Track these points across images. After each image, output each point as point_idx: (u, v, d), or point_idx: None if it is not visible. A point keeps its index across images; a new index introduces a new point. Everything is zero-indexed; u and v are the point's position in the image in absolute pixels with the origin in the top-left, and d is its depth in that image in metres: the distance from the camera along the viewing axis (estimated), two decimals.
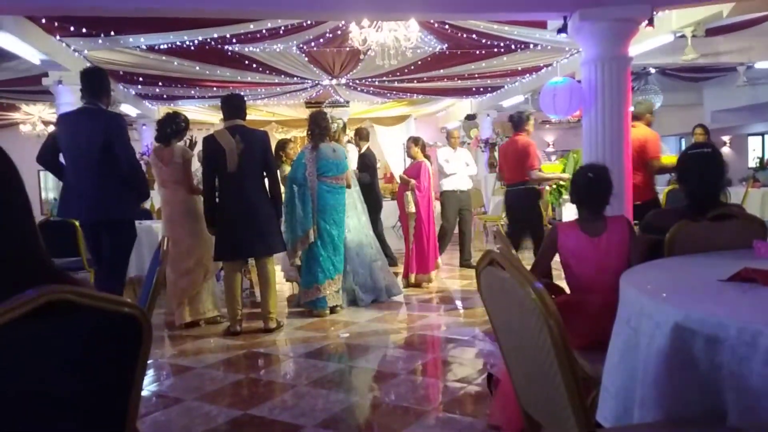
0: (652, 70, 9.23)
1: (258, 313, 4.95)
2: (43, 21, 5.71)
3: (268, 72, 8.44)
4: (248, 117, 4.90)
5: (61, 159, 4.10)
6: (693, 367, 1.34)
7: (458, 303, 5.67)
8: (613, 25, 4.79)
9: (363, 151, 7.37)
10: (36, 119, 11.51)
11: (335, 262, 5.20)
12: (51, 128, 11.19)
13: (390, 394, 3.34)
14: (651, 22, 4.89)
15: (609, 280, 2.36)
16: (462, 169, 7.20)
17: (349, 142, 7.50)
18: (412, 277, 6.29)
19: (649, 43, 6.51)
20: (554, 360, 1.36)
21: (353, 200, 5.62)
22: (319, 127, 5.16)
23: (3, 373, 1.08)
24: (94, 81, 4.03)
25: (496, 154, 11.77)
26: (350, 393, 3.47)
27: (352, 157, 6.86)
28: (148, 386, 3.56)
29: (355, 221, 5.58)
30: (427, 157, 6.56)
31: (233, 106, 4.67)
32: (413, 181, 6.27)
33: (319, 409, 3.14)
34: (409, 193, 6.26)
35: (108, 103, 4.10)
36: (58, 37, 6.29)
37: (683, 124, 13.47)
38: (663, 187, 8.46)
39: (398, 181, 7.10)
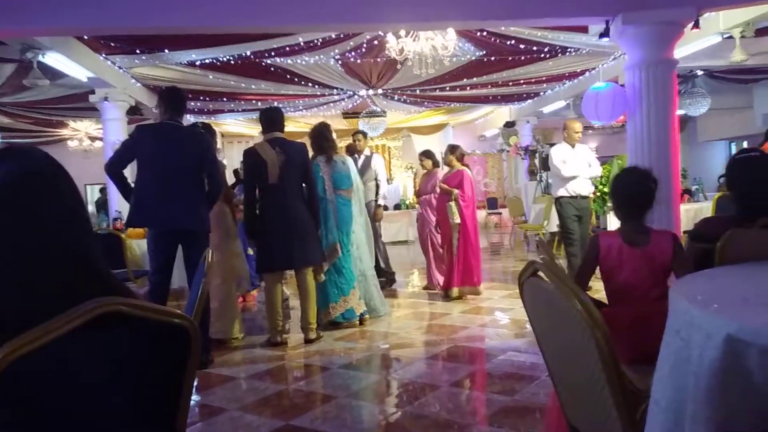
0: (699, 73, 8.97)
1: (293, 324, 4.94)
2: (89, 40, 5.92)
3: (306, 84, 8.55)
4: (286, 129, 4.93)
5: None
6: (746, 380, 1.28)
7: (501, 314, 5.58)
8: (657, 28, 4.68)
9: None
10: (83, 135, 11.93)
11: (353, 271, 5.22)
12: (97, 143, 11.64)
13: (432, 407, 3.29)
14: (697, 24, 4.76)
15: (648, 293, 2.36)
16: (584, 171, 6.10)
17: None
18: (455, 291, 6.10)
19: (695, 45, 6.34)
20: (602, 372, 1.31)
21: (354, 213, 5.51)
22: (327, 140, 5.15)
23: (59, 381, 1.09)
24: (177, 99, 4.22)
25: (537, 161, 11.64)
26: (391, 405, 3.44)
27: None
28: (192, 396, 3.60)
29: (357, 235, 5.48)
30: (465, 165, 6.41)
31: (272, 119, 4.73)
32: (456, 191, 6.09)
33: (361, 421, 3.12)
34: (452, 203, 6.07)
35: (181, 121, 4.26)
36: (103, 55, 6.51)
37: (732, 128, 13.05)
38: (713, 194, 8.20)
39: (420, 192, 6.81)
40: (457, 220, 6.04)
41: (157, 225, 4.10)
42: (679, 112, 5.41)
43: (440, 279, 6.40)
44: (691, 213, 7.18)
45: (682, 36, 4.88)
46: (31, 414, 1.08)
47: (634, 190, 2.52)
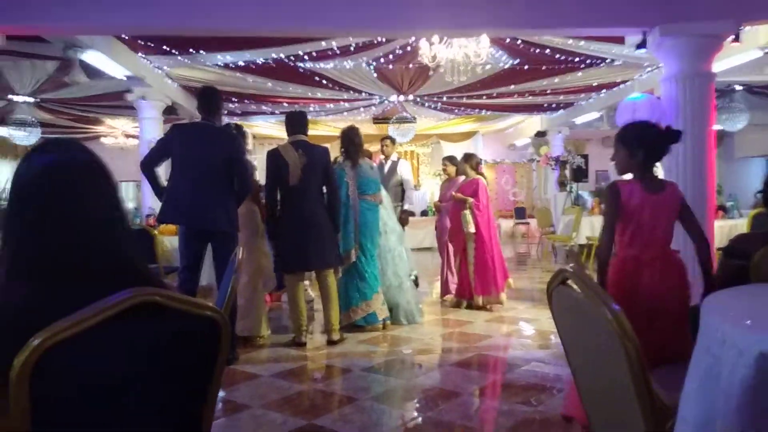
0: (738, 88, 8.78)
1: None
2: (130, 40, 6.05)
3: (337, 88, 8.60)
4: (315, 132, 4.99)
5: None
6: None
7: (526, 324, 5.53)
8: (695, 41, 4.61)
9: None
10: (119, 132, 12.19)
11: (377, 276, 5.22)
12: (132, 141, 11.88)
13: (452, 413, 3.28)
14: (737, 38, 4.68)
15: (661, 237, 2.60)
16: None
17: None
18: (479, 299, 6.03)
19: (735, 59, 6.21)
20: (630, 385, 1.30)
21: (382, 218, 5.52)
22: (354, 144, 5.17)
23: (92, 370, 1.11)
24: (212, 100, 4.30)
25: (567, 172, 11.51)
26: (411, 410, 3.44)
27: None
28: None
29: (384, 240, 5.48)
30: (480, 174, 6.37)
31: (297, 123, 4.79)
32: (471, 200, 6.05)
33: (381, 424, 3.12)
34: (467, 212, 6.02)
35: (220, 120, 4.34)
36: (141, 55, 6.65)
37: None
38: (748, 211, 8.00)
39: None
40: (471, 230, 5.99)
41: (188, 223, 4.18)
42: (716, 127, 5.30)
43: (452, 288, 6.29)
44: (725, 229, 7.02)
45: (721, 49, 4.79)
46: (62, 404, 1.10)
47: (652, 143, 2.70)
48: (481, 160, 6.62)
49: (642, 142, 2.67)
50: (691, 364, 1.60)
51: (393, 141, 7.07)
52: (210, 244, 4.22)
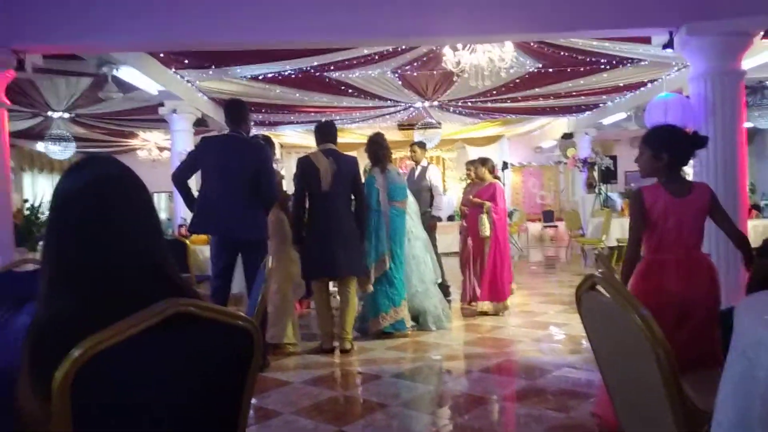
0: None
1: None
2: (161, 55, 6.21)
3: (363, 96, 8.67)
4: (342, 140, 5.05)
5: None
6: None
7: (556, 329, 5.49)
8: (723, 39, 4.53)
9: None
10: (152, 145, 12.46)
11: (405, 282, 5.24)
12: (165, 153, 12.13)
13: (481, 420, 3.28)
14: (767, 35, 4.58)
15: (689, 240, 2.58)
16: None
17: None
18: (487, 306, 5.97)
19: (766, 55, 6.08)
20: (662, 389, 1.30)
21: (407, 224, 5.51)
22: (383, 149, 5.21)
23: (127, 380, 1.13)
24: (240, 111, 4.40)
25: (596, 174, 11.38)
26: (441, 416, 3.45)
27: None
28: None
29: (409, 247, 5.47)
30: (497, 178, 6.32)
31: (327, 132, 4.88)
32: (489, 204, 6.03)
33: (411, 430, 3.14)
34: (484, 216, 6.00)
35: (248, 131, 4.44)
36: (173, 70, 6.81)
37: None
38: None
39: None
40: (487, 233, 5.97)
41: (218, 233, 4.29)
42: (748, 124, 5.21)
43: (471, 293, 6.23)
44: (759, 229, 6.89)
45: (750, 46, 4.70)
46: (101, 415, 1.12)
47: (677, 147, 2.70)
48: (507, 163, 6.61)
49: (667, 145, 2.66)
50: (726, 367, 1.58)
51: (423, 146, 7.12)
52: (240, 252, 4.30)
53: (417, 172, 6.73)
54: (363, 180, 5.11)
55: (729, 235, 2.66)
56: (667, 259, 2.58)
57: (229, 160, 4.20)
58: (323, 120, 5.27)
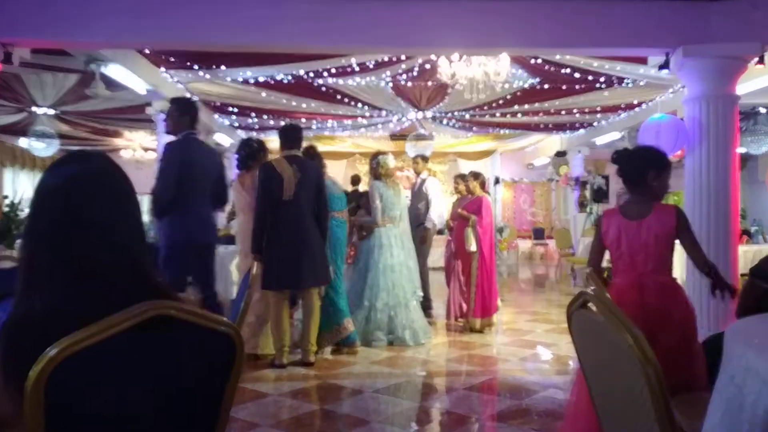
0: (762, 110, 8.64)
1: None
2: (147, 52, 6.10)
3: (355, 104, 8.61)
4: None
5: None
6: None
7: (543, 349, 5.40)
8: (719, 63, 4.54)
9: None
10: (137, 145, 12.31)
11: (346, 296, 5.15)
12: (149, 154, 11.98)
13: None
14: (762, 60, 4.60)
15: (645, 265, 2.51)
16: None
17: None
18: (476, 323, 5.85)
19: (759, 81, 6.08)
20: (651, 410, 1.28)
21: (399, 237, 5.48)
22: (318, 158, 5.18)
23: (105, 382, 1.10)
24: (196, 111, 4.35)
25: (588, 192, 11.37)
26: None
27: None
28: None
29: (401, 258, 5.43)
30: (486, 192, 6.28)
31: (293, 137, 4.70)
32: (474, 217, 5.93)
33: None
34: (470, 229, 5.91)
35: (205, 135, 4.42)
36: (162, 70, 6.71)
37: None
38: None
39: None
40: (473, 248, 5.88)
41: (199, 239, 4.22)
42: (740, 150, 5.20)
43: (457, 308, 6.13)
44: (749, 254, 6.87)
45: (744, 71, 4.71)
46: (75, 416, 1.09)
47: (625, 168, 2.69)
48: (499, 178, 6.63)
49: (620, 163, 2.70)
50: (714, 392, 1.54)
51: (425, 159, 7.12)
52: (200, 256, 4.16)
53: (417, 184, 6.78)
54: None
55: (693, 261, 2.61)
56: (620, 283, 2.57)
57: (205, 164, 4.18)
58: (290, 122, 5.17)
